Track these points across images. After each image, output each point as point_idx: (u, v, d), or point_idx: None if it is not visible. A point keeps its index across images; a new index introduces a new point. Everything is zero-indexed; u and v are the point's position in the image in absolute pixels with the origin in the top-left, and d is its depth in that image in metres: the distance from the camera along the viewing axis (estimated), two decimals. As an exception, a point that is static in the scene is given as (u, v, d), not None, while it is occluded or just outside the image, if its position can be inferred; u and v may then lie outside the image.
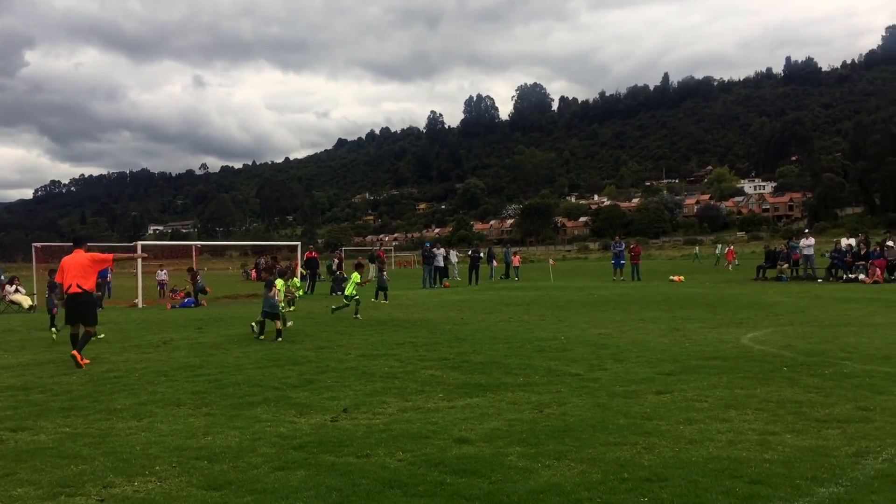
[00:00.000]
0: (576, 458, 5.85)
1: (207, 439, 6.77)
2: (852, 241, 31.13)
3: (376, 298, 24.04)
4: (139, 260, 23.41)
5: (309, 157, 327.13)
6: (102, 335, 14.63)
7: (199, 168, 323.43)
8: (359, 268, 20.16)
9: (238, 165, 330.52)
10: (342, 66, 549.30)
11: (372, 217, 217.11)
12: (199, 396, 8.74)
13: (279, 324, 14.43)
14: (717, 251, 59.96)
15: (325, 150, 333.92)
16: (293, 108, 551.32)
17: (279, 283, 16.42)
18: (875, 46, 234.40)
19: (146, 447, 6.52)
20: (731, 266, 46.79)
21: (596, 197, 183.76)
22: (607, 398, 8.10)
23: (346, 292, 18.57)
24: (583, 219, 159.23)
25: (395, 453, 6.14)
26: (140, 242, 25.56)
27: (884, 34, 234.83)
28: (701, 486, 5.05)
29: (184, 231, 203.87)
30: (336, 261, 31.00)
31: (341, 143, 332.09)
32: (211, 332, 16.08)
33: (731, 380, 8.91)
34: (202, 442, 6.68)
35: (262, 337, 14.23)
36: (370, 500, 5.00)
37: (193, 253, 29.55)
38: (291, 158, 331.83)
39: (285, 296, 21.09)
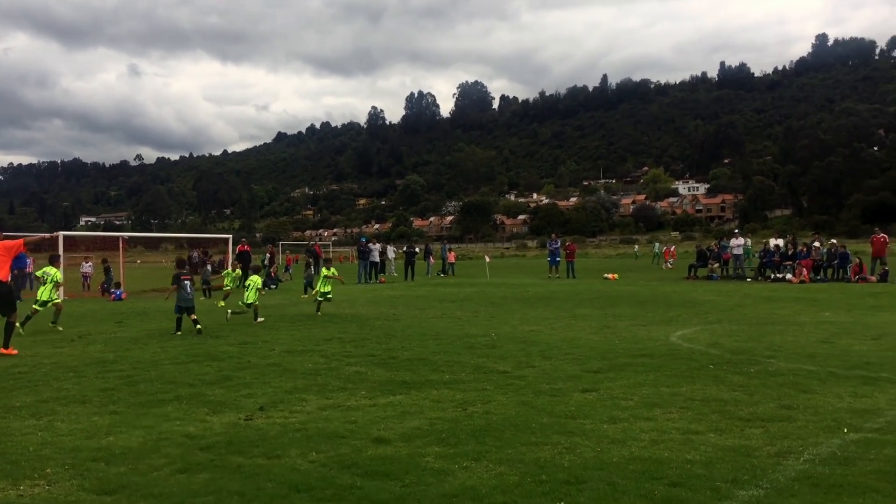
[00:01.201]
0: (495, 458, 5.64)
1: (109, 439, 6.37)
2: (780, 242, 31.83)
3: (306, 294, 23.61)
4: (61, 249, 22.51)
5: (248, 151, 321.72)
6: (22, 332, 13.90)
7: (134, 159, 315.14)
8: (327, 262, 19.75)
9: (174, 157, 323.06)
10: (282, 59, 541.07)
11: (311, 212, 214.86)
12: (108, 394, 8.28)
13: (195, 316, 14.01)
14: (655, 250, 60.99)
15: (265, 144, 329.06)
16: (232, 100, 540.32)
17: (256, 278, 16.65)
18: (805, 54, 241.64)
19: (40, 448, 6.09)
20: (668, 264, 47.52)
21: (535, 195, 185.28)
22: (533, 396, 7.93)
23: (321, 289, 17.91)
24: (521, 217, 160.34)
25: (308, 454, 5.84)
26: (62, 233, 24.53)
27: (814, 42, 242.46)
28: (620, 489, 4.88)
29: (117, 223, 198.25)
30: (268, 255, 30.32)
31: (281, 136, 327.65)
32: (132, 325, 15.48)
33: (657, 378, 8.84)
34: (102, 442, 6.27)
35: (179, 333, 13.70)
36: (274, 506, 4.70)
37: (120, 245, 28.56)
38: (230, 151, 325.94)
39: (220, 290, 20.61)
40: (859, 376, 8.74)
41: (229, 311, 16.63)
